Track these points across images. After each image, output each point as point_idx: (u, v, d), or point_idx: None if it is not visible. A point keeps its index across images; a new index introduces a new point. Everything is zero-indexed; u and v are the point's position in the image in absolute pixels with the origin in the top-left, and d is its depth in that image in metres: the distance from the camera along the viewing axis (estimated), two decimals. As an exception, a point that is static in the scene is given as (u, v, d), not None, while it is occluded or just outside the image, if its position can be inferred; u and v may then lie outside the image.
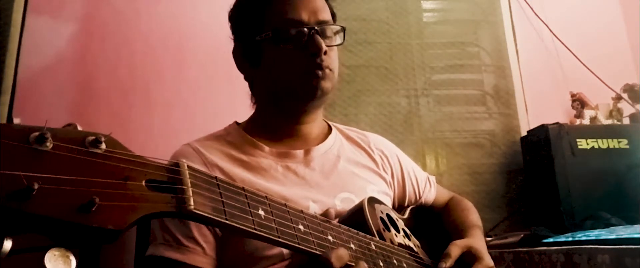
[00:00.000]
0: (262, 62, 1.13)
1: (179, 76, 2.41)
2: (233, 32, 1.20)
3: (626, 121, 2.54)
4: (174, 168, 0.57)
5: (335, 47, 1.14)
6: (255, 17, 1.13)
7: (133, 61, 2.38)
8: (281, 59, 1.10)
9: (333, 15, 1.18)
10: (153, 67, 2.39)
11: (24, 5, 1.96)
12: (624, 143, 2.25)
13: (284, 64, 1.10)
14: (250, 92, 1.23)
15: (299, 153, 1.16)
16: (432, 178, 1.43)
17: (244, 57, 1.17)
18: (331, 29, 1.14)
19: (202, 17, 2.48)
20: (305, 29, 1.09)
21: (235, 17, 1.19)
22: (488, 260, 1.10)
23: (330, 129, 1.27)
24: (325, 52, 1.08)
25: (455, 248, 1.07)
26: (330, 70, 1.10)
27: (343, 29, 1.15)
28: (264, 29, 1.11)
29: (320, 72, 1.08)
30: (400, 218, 1.16)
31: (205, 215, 0.57)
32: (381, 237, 0.96)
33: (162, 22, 2.46)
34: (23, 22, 1.95)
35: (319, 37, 1.08)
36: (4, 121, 1.80)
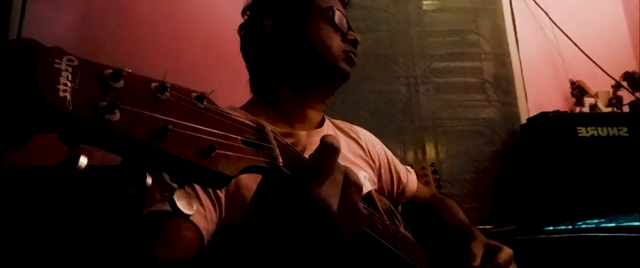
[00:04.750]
0: (306, 33, 1.17)
1: (179, 71, 2.39)
2: (266, 7, 1.22)
3: (626, 108, 2.55)
4: (261, 129, 0.61)
5: None
6: None
7: (132, 54, 2.37)
8: (327, 35, 1.17)
9: None
10: (153, 58, 2.38)
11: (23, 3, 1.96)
12: (624, 131, 2.25)
13: (328, 40, 1.16)
14: (260, 75, 1.23)
15: (303, 134, 1.17)
16: (411, 170, 1.47)
17: (273, 31, 1.18)
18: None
19: (203, 8, 2.47)
20: (345, 22, 1.20)
21: None
22: (507, 248, 1.13)
23: (322, 119, 1.29)
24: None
25: (478, 246, 1.11)
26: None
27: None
28: (312, 6, 1.18)
29: (354, 58, 1.19)
30: (397, 212, 1.17)
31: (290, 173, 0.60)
32: None
33: (162, 14, 2.45)
34: (23, 12, 1.94)
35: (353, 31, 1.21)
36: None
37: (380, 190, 1.31)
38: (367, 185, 1.17)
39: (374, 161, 1.31)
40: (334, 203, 0.59)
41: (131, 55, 2.36)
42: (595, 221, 1.75)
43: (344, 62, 1.17)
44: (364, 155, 1.29)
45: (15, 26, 1.88)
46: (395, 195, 1.36)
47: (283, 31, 1.17)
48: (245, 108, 1.21)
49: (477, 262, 1.06)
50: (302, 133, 1.17)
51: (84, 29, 2.34)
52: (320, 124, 1.25)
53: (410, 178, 1.42)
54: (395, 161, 1.40)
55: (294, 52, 1.17)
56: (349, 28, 1.20)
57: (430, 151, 2.58)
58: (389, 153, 1.39)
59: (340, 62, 1.16)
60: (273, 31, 1.17)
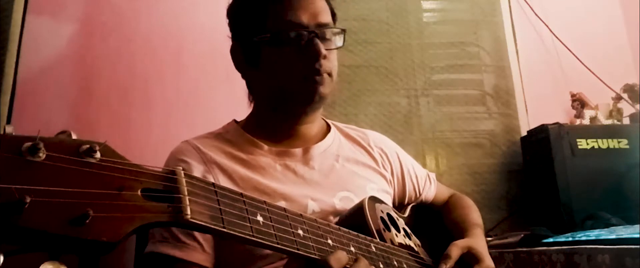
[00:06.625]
0: (261, 64, 1.12)
1: (179, 76, 2.40)
2: (231, 30, 1.19)
3: (626, 121, 2.54)
4: (170, 176, 0.57)
5: (334, 50, 1.13)
6: (254, 17, 1.11)
7: (133, 61, 2.38)
8: (279, 63, 1.09)
9: (333, 15, 1.16)
10: (153, 68, 2.39)
11: (24, 5, 1.96)
12: (624, 143, 2.24)
13: (282, 68, 1.08)
14: (247, 91, 1.22)
15: (298, 151, 1.16)
16: (432, 175, 1.43)
17: (242, 56, 1.16)
18: (331, 31, 1.12)
19: (202, 17, 2.48)
20: (305, 33, 1.07)
21: (234, 15, 1.18)
22: (488, 260, 1.10)
23: (329, 127, 1.27)
24: (325, 56, 1.07)
25: (456, 249, 1.07)
26: (329, 75, 1.10)
27: (343, 31, 1.14)
28: (263, 30, 1.09)
29: (318, 78, 1.08)
30: (400, 217, 1.15)
31: (203, 224, 0.57)
32: (381, 237, 0.96)
33: (162, 22, 2.46)
34: (23, 22, 1.95)
35: (318, 41, 1.07)
36: (4, 121, 1.79)
37: (393, 198, 1.29)
38: (376, 195, 1.13)
39: (385, 170, 1.27)
40: None
41: (132, 69, 2.37)
42: (595, 232, 1.74)
43: (306, 86, 1.08)
44: (373, 164, 1.26)
45: (15, 39, 1.89)
46: (406, 204, 1.33)
47: (246, 56, 1.15)
48: (247, 122, 1.22)
49: (447, 264, 1.02)
50: (297, 151, 1.16)
51: (84, 42, 2.35)
52: (324, 135, 1.24)
53: (427, 187, 1.38)
54: (415, 170, 1.36)
55: (257, 78, 1.16)
56: (311, 38, 1.07)
57: (431, 163, 2.58)
58: (406, 160, 1.35)
59: (301, 87, 1.08)
60: (243, 54, 1.16)
